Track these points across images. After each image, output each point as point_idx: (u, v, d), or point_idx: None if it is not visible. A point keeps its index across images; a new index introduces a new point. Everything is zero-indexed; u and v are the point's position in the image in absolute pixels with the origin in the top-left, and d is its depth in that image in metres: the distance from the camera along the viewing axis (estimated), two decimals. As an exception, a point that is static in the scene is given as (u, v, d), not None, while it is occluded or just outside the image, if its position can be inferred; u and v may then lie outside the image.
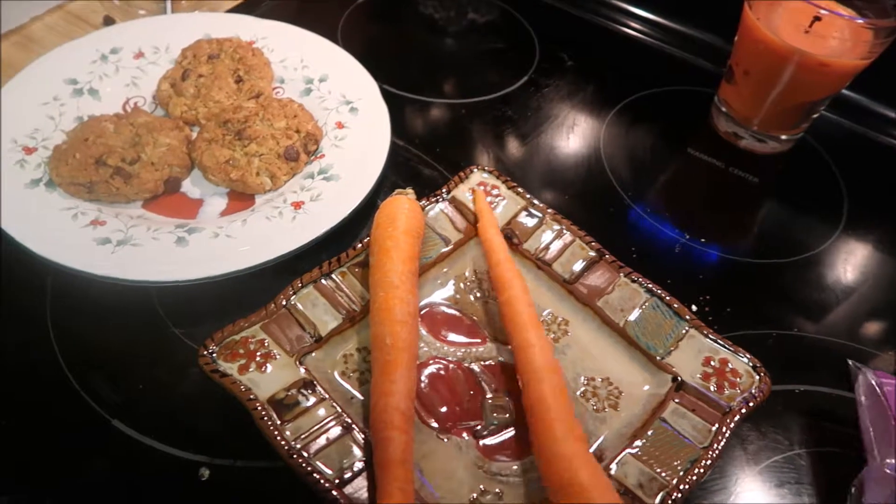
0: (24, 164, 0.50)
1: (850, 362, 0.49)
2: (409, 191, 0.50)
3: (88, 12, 0.70)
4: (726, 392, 0.44)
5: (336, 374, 0.44)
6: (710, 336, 0.47)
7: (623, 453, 0.41)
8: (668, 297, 0.48)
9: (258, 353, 0.43)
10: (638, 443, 0.42)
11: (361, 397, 0.43)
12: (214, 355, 0.42)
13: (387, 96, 0.59)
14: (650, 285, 0.49)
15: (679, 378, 0.45)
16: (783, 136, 0.65)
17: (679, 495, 0.39)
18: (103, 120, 0.53)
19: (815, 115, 0.64)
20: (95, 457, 0.41)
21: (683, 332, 0.47)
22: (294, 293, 0.45)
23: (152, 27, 0.62)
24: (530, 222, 0.52)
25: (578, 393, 0.45)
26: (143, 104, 0.58)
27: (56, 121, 0.54)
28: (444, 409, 0.43)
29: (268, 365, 0.42)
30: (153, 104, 0.59)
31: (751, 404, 0.43)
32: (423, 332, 0.47)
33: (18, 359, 0.45)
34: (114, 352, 0.46)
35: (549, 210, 0.52)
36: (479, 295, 0.49)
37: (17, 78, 0.56)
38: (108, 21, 0.68)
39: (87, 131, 0.52)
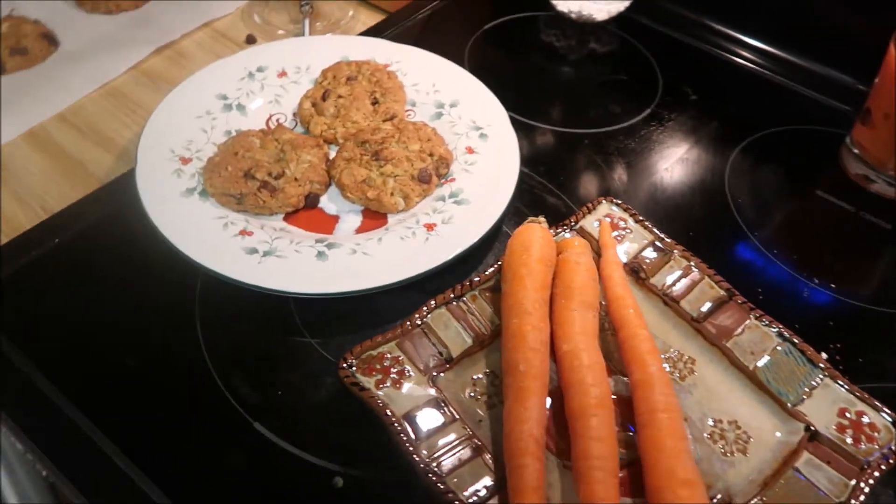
0: (180, 174, 0.54)
1: None
2: (542, 219, 0.50)
3: (232, 30, 0.74)
4: (863, 446, 0.43)
5: (466, 396, 0.45)
6: (846, 386, 0.45)
7: (755, 500, 0.41)
8: (800, 343, 0.47)
9: (393, 370, 0.44)
10: (770, 491, 0.41)
11: (489, 421, 0.44)
12: (354, 369, 0.44)
13: (512, 123, 0.61)
14: (782, 329, 0.48)
15: (813, 427, 0.44)
16: (919, 182, 0.62)
17: (815, 549, 0.38)
18: (250, 135, 0.57)
19: (954, 163, 0.61)
20: (238, 453, 0.43)
21: (817, 380, 0.46)
22: (428, 312, 0.47)
23: (294, 48, 0.65)
24: (658, 257, 0.52)
25: (705, 434, 0.45)
26: (285, 121, 0.62)
27: (208, 133, 0.58)
28: (568, 438, 0.44)
29: (403, 382, 0.44)
30: (293, 121, 0.62)
31: (891, 461, 0.42)
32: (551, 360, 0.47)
33: (169, 354, 0.48)
34: (255, 356, 0.48)
35: (678, 246, 0.52)
36: (606, 326, 0.49)
37: (174, 92, 0.60)
38: (251, 40, 0.72)
39: (237, 145, 0.55)
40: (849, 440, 0.43)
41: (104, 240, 0.53)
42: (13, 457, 0.52)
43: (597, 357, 0.44)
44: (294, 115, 0.62)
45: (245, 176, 0.53)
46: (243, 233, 0.51)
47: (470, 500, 0.39)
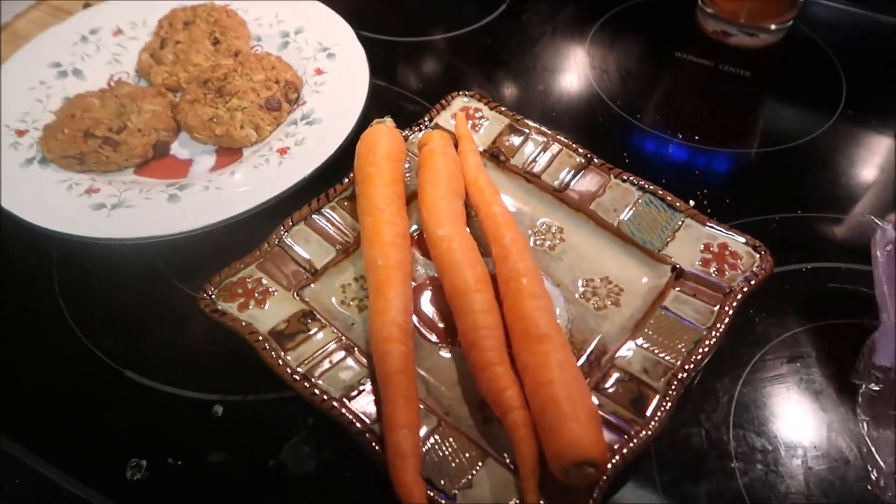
0: (17, 146, 0.52)
1: (867, 217, 0.47)
2: (388, 119, 0.50)
3: (69, 4, 0.71)
4: (727, 274, 0.44)
5: (335, 303, 0.44)
6: (708, 224, 0.46)
7: (626, 343, 0.41)
8: (660, 192, 0.48)
9: (256, 292, 0.43)
10: (640, 332, 0.42)
11: (362, 322, 0.44)
12: (214, 297, 0.43)
13: (366, 41, 0.59)
14: (642, 182, 0.48)
15: (678, 267, 0.45)
16: (772, 26, 0.63)
17: (684, 375, 0.39)
18: (88, 96, 0.55)
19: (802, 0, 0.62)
20: (113, 405, 0.42)
21: (679, 223, 0.46)
22: (286, 231, 0.46)
23: (127, 5, 0.63)
24: (516, 139, 0.52)
25: (577, 295, 0.45)
26: (127, 78, 0.59)
27: (44, 103, 0.55)
28: (443, 325, 0.44)
29: (267, 301, 0.43)
30: (136, 77, 0.60)
31: (752, 283, 0.43)
32: (418, 255, 0.47)
33: (30, 325, 0.46)
34: (120, 310, 0.47)
35: (534, 125, 0.52)
36: (471, 213, 0.49)
37: (2, 67, 0.57)
38: (88, 7, 0.69)
39: (74, 108, 0.53)
40: (713, 271, 0.44)
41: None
42: None
43: (470, 240, 0.44)
44: (136, 71, 0.60)
45: (84, 135, 0.51)
46: (89, 191, 0.49)
47: (344, 397, 0.39)
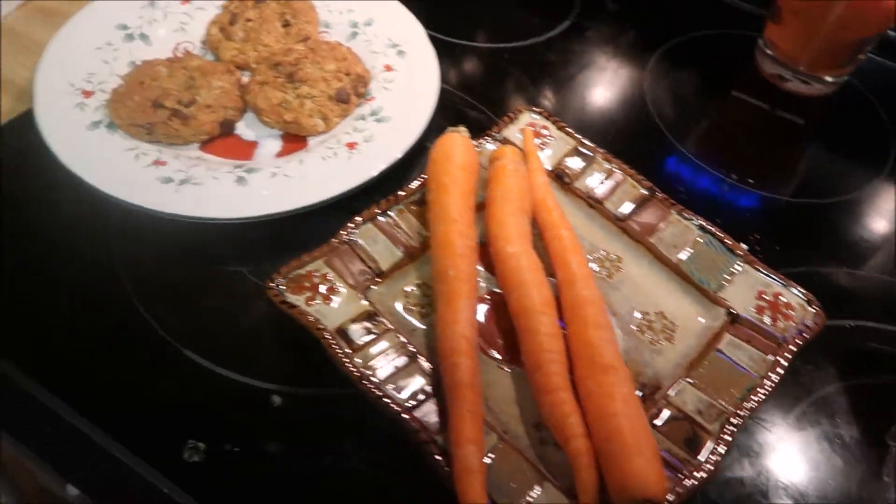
0: (83, 107, 0.51)
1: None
2: (462, 128, 0.50)
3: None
4: (780, 324, 0.45)
5: (399, 307, 0.45)
6: (763, 271, 0.47)
7: (681, 382, 0.42)
8: (720, 234, 0.49)
9: (323, 287, 0.44)
10: (695, 373, 0.43)
11: (424, 329, 0.44)
12: (282, 288, 0.43)
13: (430, 40, 0.59)
14: (702, 222, 0.49)
15: (734, 311, 0.46)
16: (829, 78, 0.64)
17: (738, 420, 0.40)
18: (156, 64, 0.54)
19: (862, 56, 0.63)
20: (171, 383, 0.43)
21: (736, 267, 0.47)
22: (355, 228, 0.46)
23: (197, -28, 0.62)
24: (581, 163, 0.52)
25: (633, 326, 0.46)
26: (193, 49, 0.59)
27: (110, 65, 0.55)
28: (503, 342, 0.44)
29: (332, 297, 0.44)
30: (203, 49, 0.59)
31: (805, 335, 0.44)
32: (481, 268, 0.48)
33: (90, 293, 0.46)
34: (180, 286, 0.47)
35: (600, 150, 0.53)
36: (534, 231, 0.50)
37: (69, 25, 0.56)
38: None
39: (142, 74, 0.53)
40: (767, 320, 0.45)
41: (8, 181, 0.51)
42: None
43: (537, 260, 0.45)
44: (203, 43, 0.59)
45: (154, 105, 0.51)
46: (157, 163, 0.49)
47: (407, 404, 0.40)
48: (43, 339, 0.44)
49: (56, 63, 0.53)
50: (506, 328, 0.45)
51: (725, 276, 0.47)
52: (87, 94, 0.52)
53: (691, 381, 0.43)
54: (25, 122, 0.52)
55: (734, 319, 0.46)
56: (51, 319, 0.45)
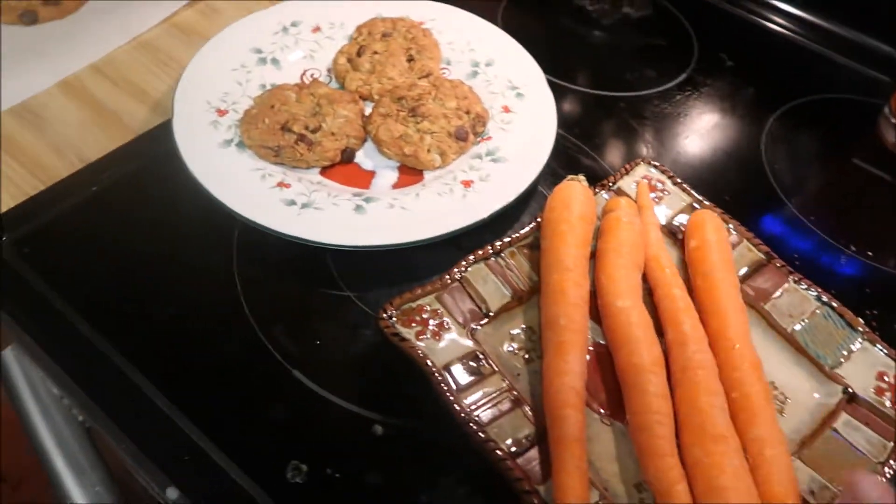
0: (217, 125, 0.54)
1: None
2: (582, 178, 0.50)
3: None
4: (902, 409, 0.43)
5: (504, 350, 0.45)
6: (885, 350, 0.45)
7: (793, 459, 0.41)
8: (839, 307, 0.47)
9: (432, 322, 0.44)
10: (807, 450, 0.41)
11: (527, 375, 0.44)
12: (394, 320, 0.44)
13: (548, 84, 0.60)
14: (820, 293, 0.48)
15: (851, 390, 0.44)
16: (958, 153, 0.62)
17: (854, 507, 0.38)
18: (286, 88, 0.56)
19: None
20: (279, 402, 0.44)
21: (856, 344, 0.46)
22: (467, 267, 0.47)
23: (328, 3, 0.65)
24: (695, 220, 0.52)
25: (743, 394, 0.45)
26: (319, 76, 0.61)
27: (243, 86, 0.57)
28: (605, 396, 0.44)
29: (442, 334, 0.44)
30: (328, 77, 0.61)
31: (929, 424, 0.42)
32: (587, 317, 0.47)
33: (208, 303, 0.48)
34: (293, 307, 0.48)
35: (717, 209, 0.52)
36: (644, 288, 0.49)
37: (209, 44, 0.59)
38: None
39: (273, 99, 0.55)
40: (887, 402, 0.43)
41: (142, 190, 0.53)
42: (50, 402, 0.53)
43: (648, 317, 0.44)
44: (328, 70, 0.62)
45: (282, 129, 0.53)
46: (281, 185, 0.51)
47: (510, 450, 0.39)
48: (160, 340, 0.46)
49: (195, 80, 0.56)
50: (609, 382, 0.44)
51: (843, 351, 0.46)
52: (221, 112, 0.55)
53: (804, 459, 0.41)
54: (161, 134, 0.55)
55: (851, 399, 0.44)
56: (169, 326, 0.47)
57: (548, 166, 0.55)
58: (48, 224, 0.51)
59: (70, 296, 0.47)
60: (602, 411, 0.43)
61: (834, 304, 0.47)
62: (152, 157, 0.55)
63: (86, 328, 0.46)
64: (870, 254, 0.55)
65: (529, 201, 0.55)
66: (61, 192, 0.52)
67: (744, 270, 0.49)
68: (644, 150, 0.62)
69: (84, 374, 0.44)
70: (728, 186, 0.59)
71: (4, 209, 0.51)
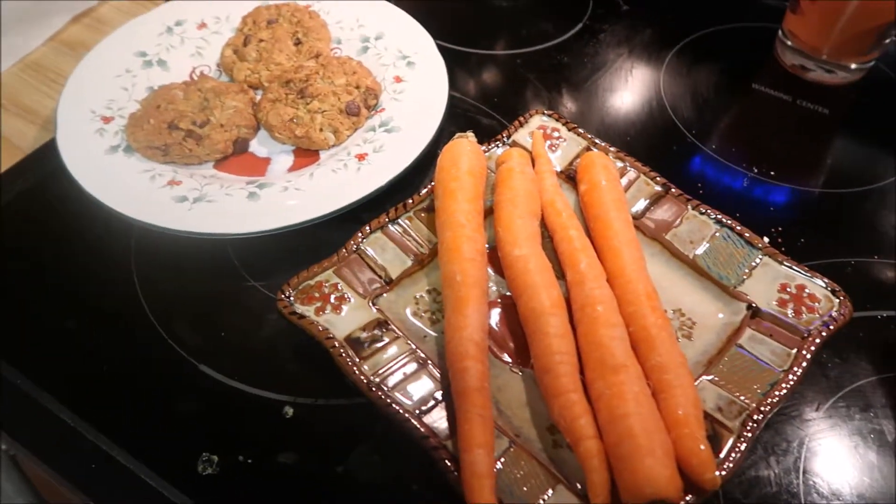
0: (103, 133, 0.53)
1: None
2: (470, 134, 0.50)
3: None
4: (804, 317, 0.43)
5: (409, 314, 0.45)
6: (786, 263, 0.46)
7: (700, 379, 0.41)
8: (738, 227, 0.47)
9: (332, 296, 0.44)
10: (714, 369, 0.42)
11: (435, 335, 0.44)
12: (291, 299, 0.43)
13: (441, 51, 0.60)
14: (719, 216, 0.48)
15: (754, 305, 0.44)
16: (853, 65, 0.62)
17: (760, 417, 0.39)
18: (173, 88, 0.56)
19: (887, 41, 0.61)
20: (186, 397, 0.43)
21: (756, 260, 0.46)
22: (363, 238, 0.46)
23: (212, -1, 0.64)
24: (593, 162, 0.52)
25: (650, 325, 0.45)
26: (209, 72, 0.60)
27: (129, 91, 0.56)
28: (514, 345, 0.44)
29: (342, 307, 0.44)
30: (218, 71, 0.61)
31: (831, 328, 0.42)
32: (491, 272, 0.47)
33: (110, 311, 0.47)
34: (196, 303, 0.48)
35: (612, 148, 0.52)
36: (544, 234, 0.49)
37: (92, 53, 0.58)
38: (171, -2, 0.70)
39: (159, 99, 0.54)
40: (790, 313, 0.44)
41: (35, 208, 0.53)
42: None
43: (546, 262, 0.44)
44: (218, 66, 0.61)
45: (169, 127, 0.52)
46: (172, 183, 0.50)
47: (416, 410, 0.39)
48: (62, 354, 0.45)
49: (77, 92, 0.55)
50: (517, 331, 0.44)
51: (745, 269, 0.46)
52: (107, 119, 0.54)
53: (710, 378, 0.41)
54: (51, 150, 0.54)
55: (755, 314, 0.44)
56: (71, 335, 0.46)
57: (446, 131, 0.55)
58: (-61, 255, 0.50)
59: (-33, 323, 0.46)
60: (511, 360, 0.43)
61: (733, 226, 0.47)
62: (43, 174, 0.54)
63: (-13, 354, 0.45)
64: (772, 173, 0.56)
65: (429, 169, 0.55)
66: (-50, 222, 0.51)
67: (644, 204, 0.50)
68: (546, 104, 0.62)
69: (-12, 399, 0.44)
70: (630, 127, 0.60)
71: None
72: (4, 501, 0.49)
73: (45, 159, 0.54)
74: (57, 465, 0.41)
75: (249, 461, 0.40)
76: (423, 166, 0.53)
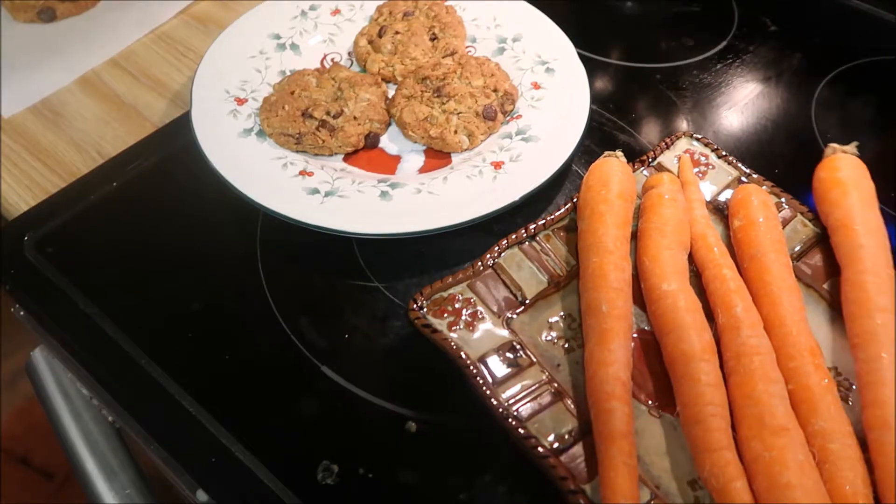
0: (236, 115, 0.52)
1: None
2: (620, 154, 0.47)
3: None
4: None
5: (542, 339, 0.42)
6: (959, 331, 0.41)
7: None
8: (905, 284, 0.43)
9: (465, 311, 0.42)
10: (877, 441, 0.38)
11: (568, 365, 0.42)
12: (424, 310, 0.42)
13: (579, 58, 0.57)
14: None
15: (923, 373, 0.40)
16: None
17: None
18: (306, 74, 0.54)
19: None
20: (308, 400, 0.42)
21: (926, 323, 0.42)
22: (500, 252, 0.44)
23: (347, -15, 0.62)
24: (744, 195, 0.48)
25: (802, 380, 0.41)
26: (340, 60, 0.59)
27: (262, 74, 0.55)
28: (653, 386, 0.41)
29: (476, 324, 0.42)
30: (349, 60, 0.59)
31: None
32: (631, 302, 0.44)
33: (233, 297, 0.47)
34: (320, 299, 0.46)
35: (767, 182, 0.49)
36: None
37: (227, 32, 0.57)
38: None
39: (293, 85, 0.53)
40: (964, 387, 0.39)
41: (162, 183, 0.52)
42: (80, 403, 0.52)
43: (696, 300, 0.41)
44: (349, 54, 0.59)
45: (303, 115, 0.51)
46: (303, 173, 0.49)
47: (554, 446, 0.37)
48: (184, 337, 0.44)
49: (213, 70, 0.54)
50: (656, 371, 0.41)
51: (912, 332, 0.42)
52: (241, 101, 0.53)
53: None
54: (181, 126, 0.54)
55: (924, 383, 0.40)
56: (193, 322, 0.45)
57: (582, 144, 0.52)
58: (69, 222, 0.50)
59: (94, 295, 0.46)
60: (650, 403, 0.40)
61: (900, 281, 0.43)
62: (172, 149, 0.54)
63: (110, 327, 0.45)
64: (936, 225, 0.51)
65: (563, 182, 0.52)
66: (81, 190, 0.51)
67: (798, 247, 0.46)
68: (684, 124, 0.58)
69: (108, 374, 0.43)
70: (778, 158, 0.56)
71: (26, 209, 0.50)
72: (109, 474, 0.49)
73: (176, 134, 0.54)
74: (174, 452, 0.40)
75: (370, 476, 0.39)
76: (558, 179, 0.51)
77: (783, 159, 0.55)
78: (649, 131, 0.57)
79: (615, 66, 0.62)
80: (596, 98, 0.59)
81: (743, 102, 0.60)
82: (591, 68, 0.60)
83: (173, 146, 0.54)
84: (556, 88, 0.55)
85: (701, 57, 0.64)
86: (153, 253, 0.49)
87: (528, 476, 0.38)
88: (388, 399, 0.42)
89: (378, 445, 0.40)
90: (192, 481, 0.40)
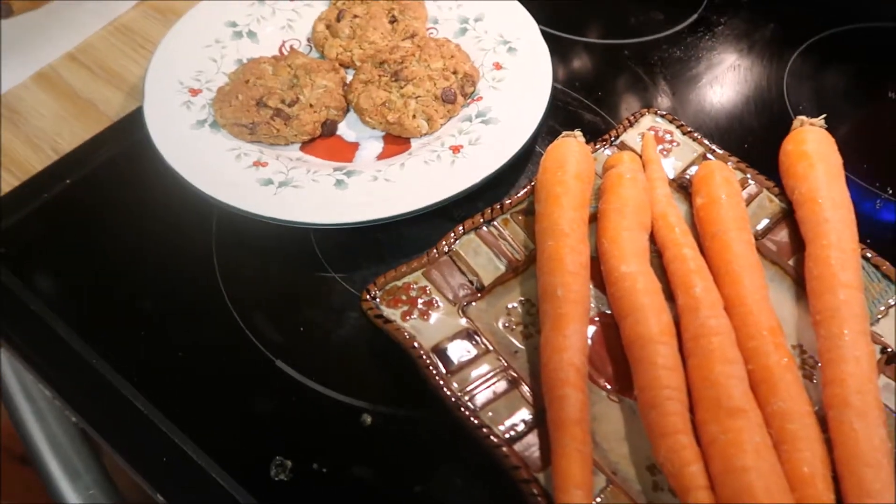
0: (190, 106, 0.51)
1: None
2: (578, 133, 0.46)
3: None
4: (950, 368, 0.38)
5: (500, 326, 0.42)
6: (927, 304, 0.40)
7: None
8: (874, 258, 0.42)
9: (420, 300, 0.41)
10: (841, 420, 0.37)
11: (527, 352, 0.41)
12: (377, 300, 0.41)
13: (543, 36, 0.55)
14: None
15: (890, 349, 0.39)
16: None
17: (895, 482, 0.34)
18: (262, 62, 0.53)
19: None
20: (262, 394, 0.41)
21: (894, 297, 0.41)
22: (456, 239, 0.43)
23: (306, -31, 0.61)
24: (709, 171, 0.47)
25: (766, 360, 0.40)
26: (299, 46, 0.58)
27: (218, 63, 0.54)
28: (612, 370, 0.40)
29: (431, 313, 0.41)
30: (308, 46, 0.58)
31: (981, 383, 0.37)
32: (590, 286, 0.43)
33: (187, 292, 0.46)
34: (275, 292, 0.46)
35: (732, 157, 0.47)
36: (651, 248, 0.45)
37: (181, 21, 0.56)
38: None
39: (248, 73, 0.52)
40: (932, 361, 0.39)
41: (116, 179, 0.51)
42: (43, 404, 0.51)
43: (655, 282, 0.40)
44: (308, 40, 0.58)
45: (257, 104, 0.50)
46: (257, 164, 0.48)
47: (506, 435, 0.36)
48: (136, 335, 0.44)
49: (166, 61, 0.53)
50: (616, 355, 0.40)
51: (880, 307, 0.41)
52: (195, 92, 0.52)
53: (836, 430, 0.37)
54: (136, 119, 0.53)
55: (891, 359, 0.39)
56: (147, 317, 0.44)
57: (546, 125, 0.51)
58: (21, 222, 0.49)
59: (45, 296, 0.45)
60: (609, 387, 0.39)
61: (868, 255, 0.42)
62: (127, 144, 0.53)
63: (62, 328, 0.44)
64: (909, 196, 0.50)
65: (526, 165, 0.51)
66: (33, 189, 0.50)
67: (764, 223, 0.45)
68: (655, 102, 0.57)
69: (60, 376, 0.43)
70: (749, 133, 0.54)
71: (-22, 209, 0.50)
72: (73, 475, 0.48)
73: (131, 128, 0.53)
74: (127, 452, 0.40)
75: (324, 470, 0.38)
76: (519, 162, 0.50)
77: (753, 133, 0.54)
78: (618, 110, 0.56)
79: (582, 44, 0.61)
80: (563, 77, 0.58)
81: (715, 76, 0.59)
82: (557, 46, 0.59)
83: (128, 141, 0.53)
84: (517, 69, 0.53)
85: (671, 31, 0.62)
86: (107, 251, 0.48)
87: (484, 467, 0.37)
88: (343, 392, 0.41)
89: (332, 439, 0.39)
90: (148, 484, 0.39)
